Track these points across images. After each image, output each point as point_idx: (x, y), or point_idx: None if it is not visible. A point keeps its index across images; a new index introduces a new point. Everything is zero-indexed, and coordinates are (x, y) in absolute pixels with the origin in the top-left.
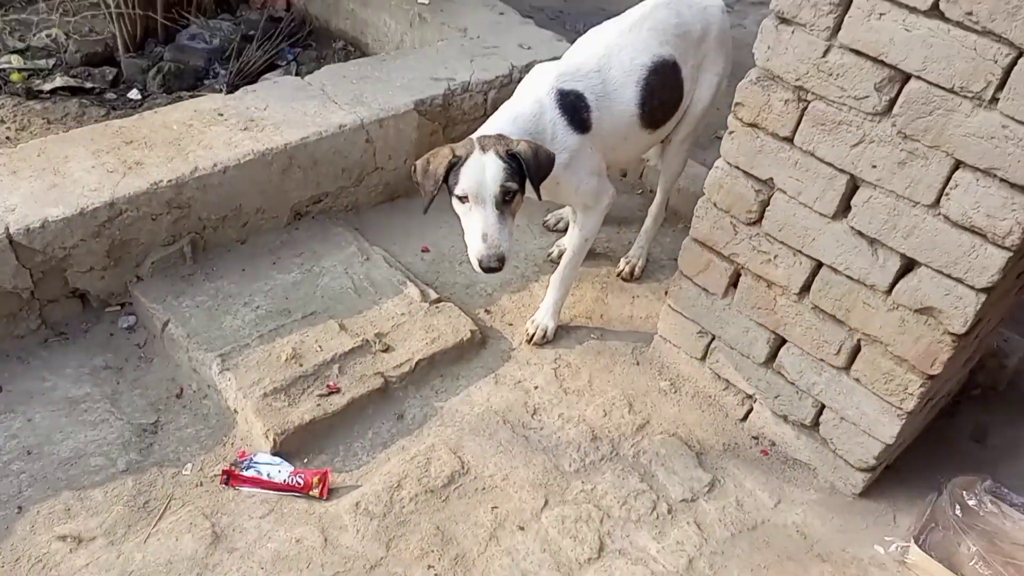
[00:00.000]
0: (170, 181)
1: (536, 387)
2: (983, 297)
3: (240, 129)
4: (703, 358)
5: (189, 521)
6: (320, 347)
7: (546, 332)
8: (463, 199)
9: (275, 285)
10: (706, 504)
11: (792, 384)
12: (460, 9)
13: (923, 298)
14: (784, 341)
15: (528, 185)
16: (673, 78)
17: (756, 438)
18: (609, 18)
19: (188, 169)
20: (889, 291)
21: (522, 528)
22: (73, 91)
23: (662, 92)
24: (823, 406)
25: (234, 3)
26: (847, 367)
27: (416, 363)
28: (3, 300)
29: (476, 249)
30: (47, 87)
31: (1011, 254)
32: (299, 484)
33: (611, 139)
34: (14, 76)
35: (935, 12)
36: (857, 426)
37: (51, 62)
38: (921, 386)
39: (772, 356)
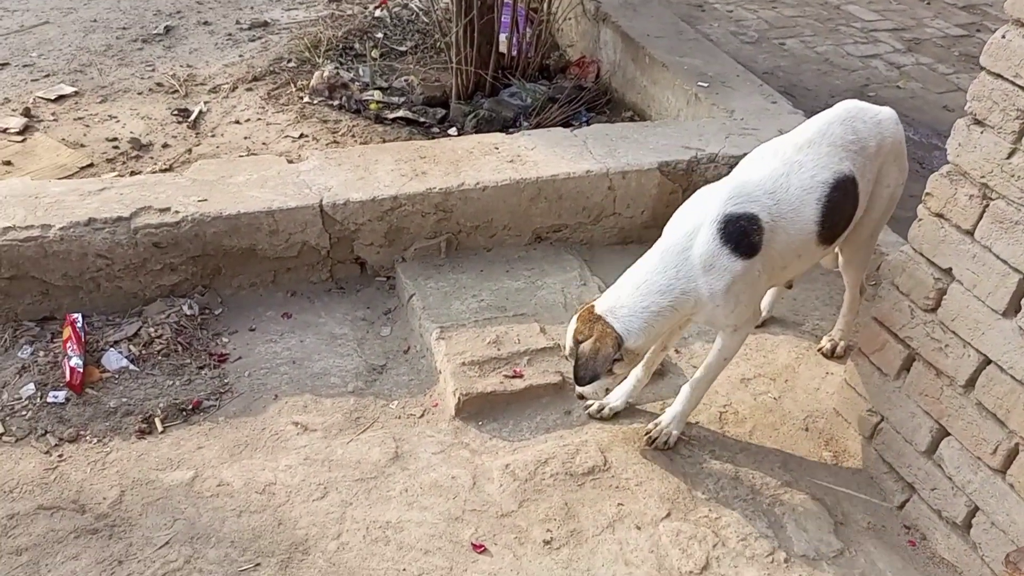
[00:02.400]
0: (441, 189)
1: (697, 422)
2: None
3: (507, 161)
4: (871, 437)
5: (382, 440)
6: (519, 340)
7: (668, 439)
8: None
9: (502, 287)
10: (828, 567)
11: (949, 479)
12: (734, 94)
13: None
14: (947, 433)
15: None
16: (853, 192)
17: (908, 528)
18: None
19: (457, 183)
20: None
21: (639, 528)
22: (409, 122)
23: (843, 208)
24: (976, 508)
25: (553, 72)
26: (1003, 470)
27: None
28: (309, 252)
29: None
30: (391, 116)
31: None
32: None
33: (783, 258)
34: (372, 105)
35: None
36: (1006, 534)
37: (401, 100)
38: None
39: (934, 447)
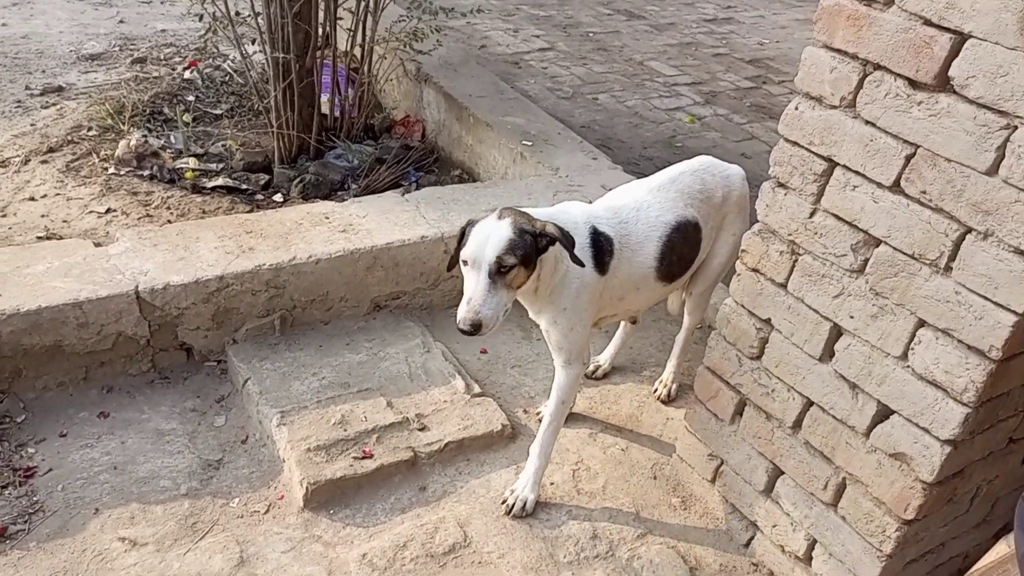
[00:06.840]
0: (271, 265)
1: (552, 483)
2: (948, 449)
3: (339, 230)
4: (713, 480)
5: (224, 544)
6: (365, 418)
7: (525, 504)
8: (466, 262)
9: (343, 362)
10: None
11: (787, 515)
12: (557, 151)
13: (896, 444)
14: (781, 472)
15: (538, 271)
16: (693, 237)
17: (756, 565)
18: None
19: (288, 257)
20: (868, 434)
21: None
22: (230, 190)
23: (681, 249)
24: (815, 540)
25: (378, 132)
26: (834, 503)
27: (446, 444)
28: (125, 344)
29: (459, 309)
30: (210, 184)
31: (969, 410)
32: None
33: (623, 289)
34: (188, 173)
35: (897, 188)
36: (843, 564)
37: (219, 166)
38: (897, 530)
39: (771, 486)
